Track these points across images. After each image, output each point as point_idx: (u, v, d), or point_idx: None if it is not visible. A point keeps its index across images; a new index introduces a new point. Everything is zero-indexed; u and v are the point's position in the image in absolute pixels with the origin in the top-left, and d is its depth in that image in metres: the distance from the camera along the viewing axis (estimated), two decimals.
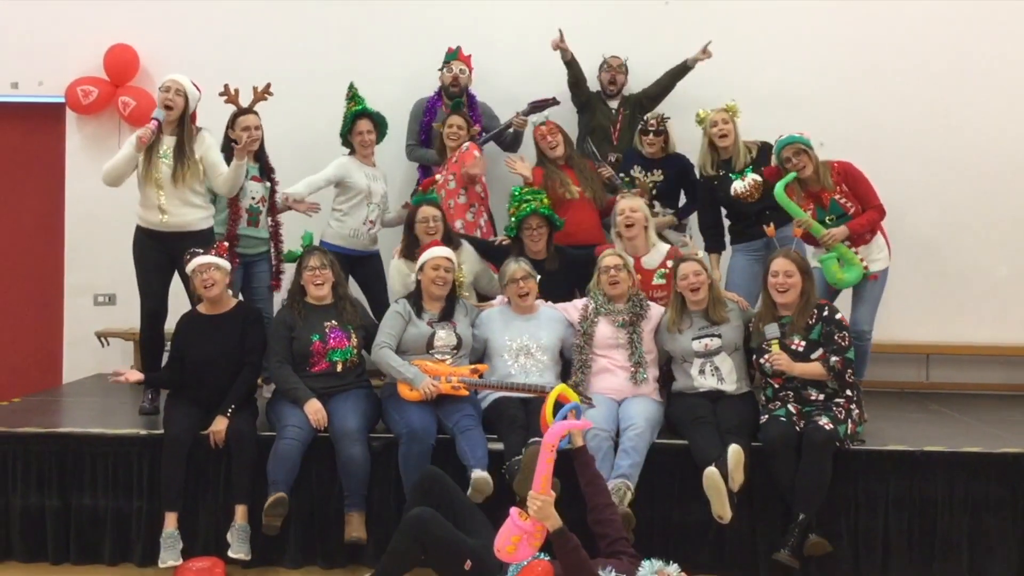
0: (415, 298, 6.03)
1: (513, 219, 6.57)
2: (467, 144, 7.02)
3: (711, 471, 5.27)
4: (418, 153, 7.64)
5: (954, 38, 8.21)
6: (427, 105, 7.72)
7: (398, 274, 6.52)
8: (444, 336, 5.90)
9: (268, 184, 6.85)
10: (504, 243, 6.73)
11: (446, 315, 5.99)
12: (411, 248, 6.42)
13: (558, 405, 4.86)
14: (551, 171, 7.03)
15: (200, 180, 6.32)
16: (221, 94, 6.82)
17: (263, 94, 6.92)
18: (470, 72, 7.72)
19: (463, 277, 6.42)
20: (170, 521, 5.48)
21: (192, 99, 6.32)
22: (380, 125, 7.16)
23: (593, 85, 7.84)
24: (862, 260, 6.30)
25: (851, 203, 6.32)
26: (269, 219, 6.90)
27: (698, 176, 7.05)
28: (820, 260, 6.30)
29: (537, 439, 5.30)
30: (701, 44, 7.52)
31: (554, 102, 7.57)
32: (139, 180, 6.26)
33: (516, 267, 6.09)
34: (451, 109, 7.33)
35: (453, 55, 7.71)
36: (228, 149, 6.63)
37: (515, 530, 4.38)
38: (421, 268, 6.03)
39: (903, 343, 8.07)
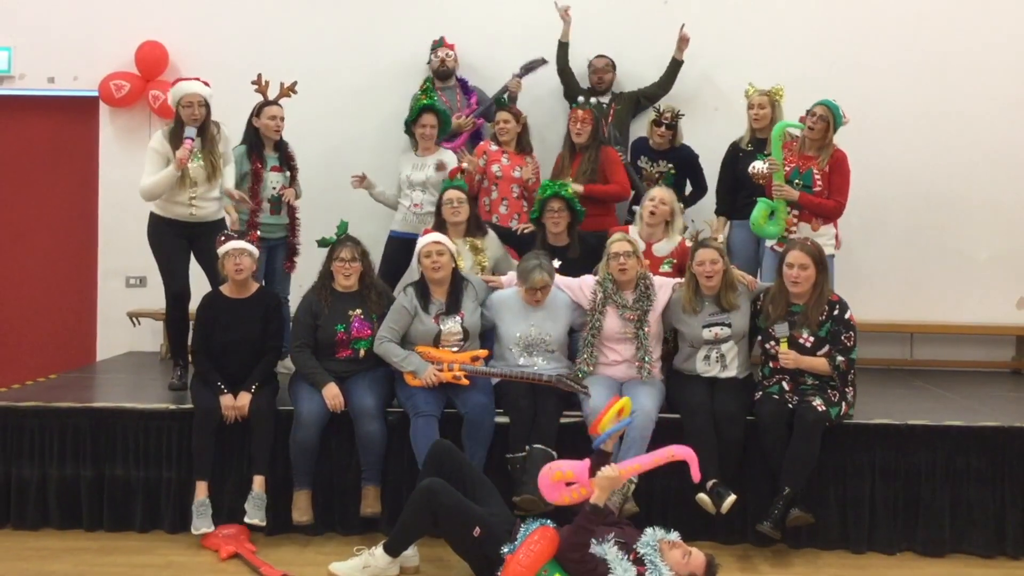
0: (421, 288, 5.88)
1: (536, 203, 6.54)
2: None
3: (704, 500, 5.31)
4: None
5: (937, 31, 8.16)
6: None
7: None
8: (450, 329, 5.78)
9: (287, 173, 6.83)
10: (526, 232, 6.68)
11: (453, 305, 5.83)
12: (439, 229, 6.42)
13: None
14: (562, 155, 7.07)
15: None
16: (253, 82, 6.80)
17: (288, 90, 6.88)
18: (455, 56, 7.81)
19: (486, 262, 6.40)
20: (201, 490, 5.51)
21: (210, 102, 6.32)
22: (445, 124, 7.22)
23: (584, 83, 7.83)
24: (793, 230, 6.26)
25: (823, 184, 6.30)
26: (284, 206, 6.85)
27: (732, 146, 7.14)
28: (757, 199, 6.33)
29: (540, 446, 5.36)
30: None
31: (543, 61, 7.69)
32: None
33: (539, 277, 5.71)
34: (497, 105, 7.40)
35: (439, 44, 7.85)
36: (252, 137, 6.73)
37: (577, 469, 4.43)
38: (418, 259, 5.94)
39: (888, 322, 8.03)
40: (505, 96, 7.56)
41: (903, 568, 5.44)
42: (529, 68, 7.68)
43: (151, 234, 6.40)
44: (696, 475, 4.67)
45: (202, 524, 5.43)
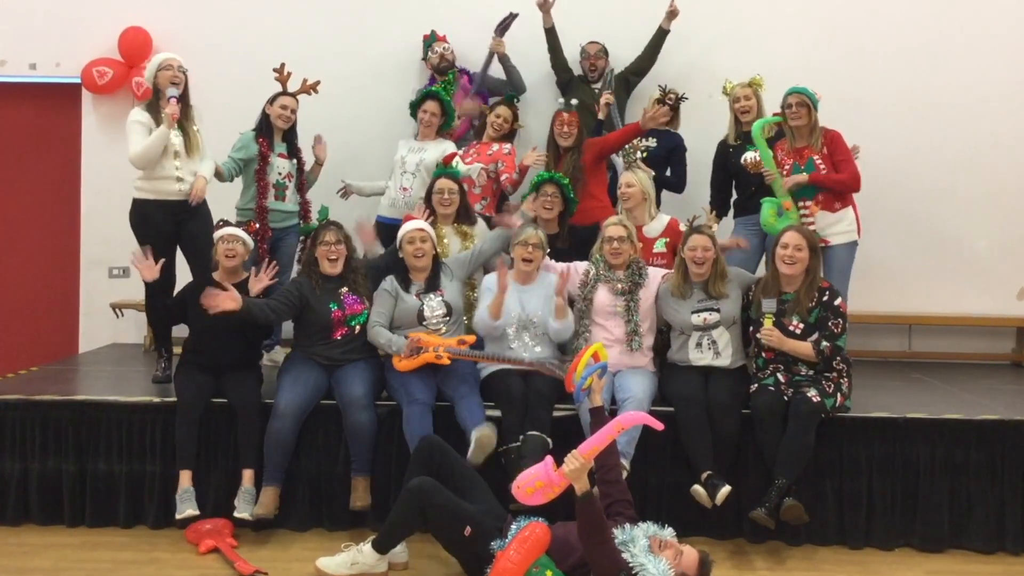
0: (401, 272, 5.98)
1: (530, 187, 6.51)
2: (508, 147, 7.18)
3: (699, 491, 5.28)
4: None
5: (933, 19, 8.14)
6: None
7: None
8: (432, 306, 5.84)
9: (295, 162, 6.85)
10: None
11: (432, 285, 5.93)
12: (429, 214, 6.43)
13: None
14: (548, 156, 6.96)
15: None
16: (275, 70, 6.82)
17: (310, 88, 6.97)
18: (452, 49, 7.78)
19: (472, 243, 6.37)
20: (185, 478, 5.45)
21: (188, 76, 6.32)
22: (448, 116, 7.14)
23: (576, 70, 7.81)
24: (810, 222, 6.18)
25: (826, 166, 6.27)
26: (298, 196, 6.89)
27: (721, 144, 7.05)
28: (762, 200, 6.28)
29: (534, 432, 5.32)
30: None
31: (514, 16, 7.67)
32: None
33: (532, 232, 5.94)
34: (504, 101, 7.38)
35: (432, 39, 7.81)
36: (262, 122, 6.76)
37: (543, 476, 4.32)
38: (400, 244, 6.00)
39: (886, 314, 8.03)
40: (494, 62, 7.66)
41: (901, 564, 5.41)
42: (504, 27, 7.66)
43: (136, 221, 6.31)
44: (658, 425, 4.54)
45: (187, 507, 5.35)
